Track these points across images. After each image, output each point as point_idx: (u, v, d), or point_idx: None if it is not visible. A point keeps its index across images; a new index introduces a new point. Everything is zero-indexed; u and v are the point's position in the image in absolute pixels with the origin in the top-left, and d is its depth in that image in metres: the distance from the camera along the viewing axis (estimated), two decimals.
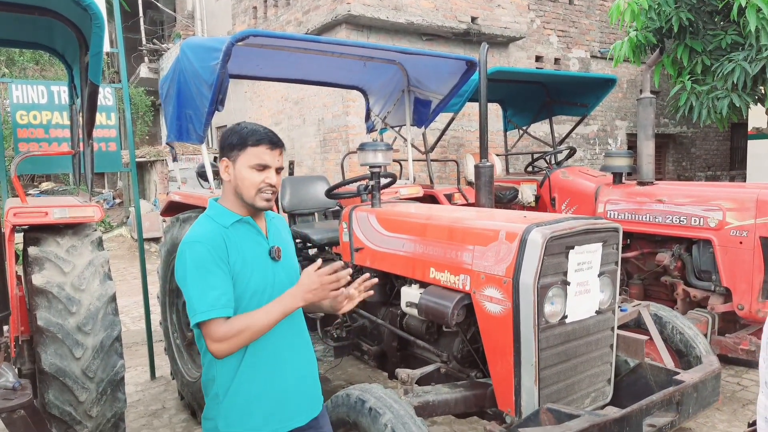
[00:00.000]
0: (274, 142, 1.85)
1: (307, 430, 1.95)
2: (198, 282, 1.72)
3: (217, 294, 1.72)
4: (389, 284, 3.28)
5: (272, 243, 1.92)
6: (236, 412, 1.81)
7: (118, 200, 17.42)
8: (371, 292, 1.95)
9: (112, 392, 2.98)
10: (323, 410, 2.05)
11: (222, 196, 1.92)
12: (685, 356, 3.12)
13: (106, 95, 4.88)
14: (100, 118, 4.72)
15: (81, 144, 3.69)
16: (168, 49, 15.72)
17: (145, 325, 4.90)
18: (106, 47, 4.10)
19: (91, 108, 3.24)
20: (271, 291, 1.85)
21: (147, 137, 17.99)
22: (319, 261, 1.82)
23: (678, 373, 2.56)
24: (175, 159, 4.26)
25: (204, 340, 1.74)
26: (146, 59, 17.05)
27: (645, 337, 2.87)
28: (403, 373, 2.59)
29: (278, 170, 1.88)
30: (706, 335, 3.72)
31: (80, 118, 3.55)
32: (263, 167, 1.83)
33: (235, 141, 1.83)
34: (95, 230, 3.34)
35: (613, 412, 2.20)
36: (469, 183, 5.94)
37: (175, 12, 18.24)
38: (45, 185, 17.67)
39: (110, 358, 2.98)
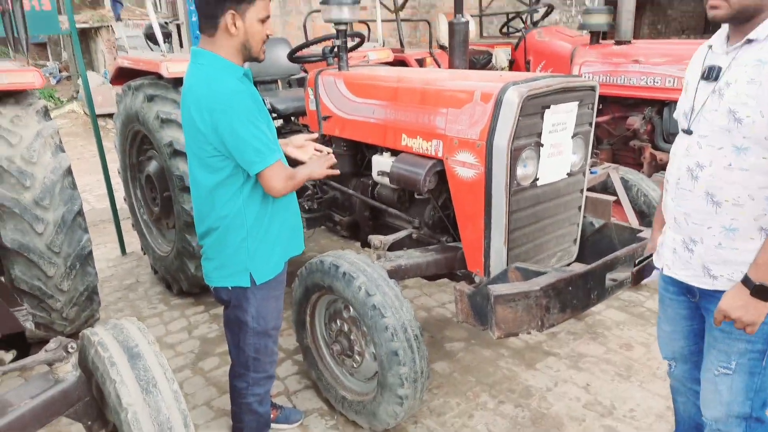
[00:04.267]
0: None
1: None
2: (254, 130, 1.85)
3: (272, 138, 1.94)
4: (360, 154, 3.19)
5: None
6: (263, 249, 2.05)
7: (65, 74, 16.26)
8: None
9: (81, 266, 2.94)
10: None
11: (215, 47, 1.91)
12: (647, 216, 3.23)
13: None
14: None
15: (8, 1, 3.27)
16: None
17: (109, 202, 4.78)
18: None
19: None
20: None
21: (87, 0, 16.35)
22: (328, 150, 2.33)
23: (641, 231, 2.64)
24: (118, 18, 3.84)
25: (260, 181, 1.93)
26: None
27: (612, 198, 2.93)
28: (375, 239, 2.61)
29: None
30: None
31: None
32: (267, 18, 1.91)
33: None
34: (39, 99, 3.08)
35: (579, 267, 2.29)
36: (442, 46, 5.63)
37: None
38: None
39: (74, 233, 2.90)
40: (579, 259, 2.76)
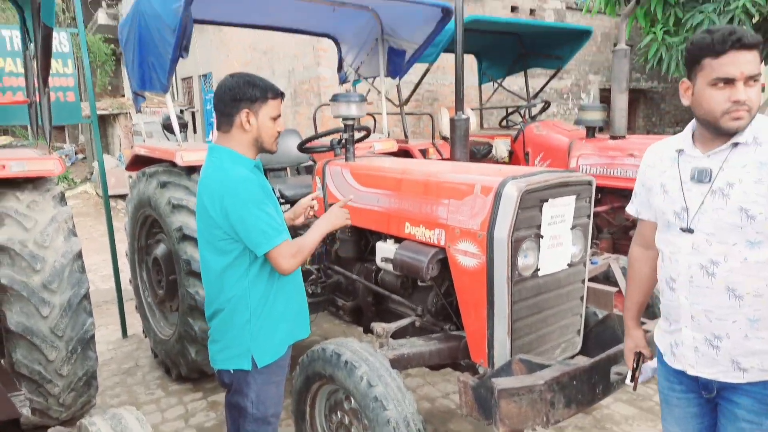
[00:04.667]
0: (283, 94, 2.14)
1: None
2: (261, 214, 1.96)
3: (278, 221, 2.02)
4: (364, 240, 3.25)
5: None
6: (266, 329, 2.09)
7: (80, 156, 16.86)
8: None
9: (82, 350, 2.93)
10: None
11: (230, 142, 2.08)
12: (650, 307, 3.21)
13: (61, 41, 4.60)
14: (56, 65, 4.46)
15: (37, 93, 3.49)
16: None
17: (115, 283, 4.81)
18: None
19: (46, 53, 3.04)
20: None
21: (109, 88, 17.27)
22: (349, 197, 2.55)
23: (644, 324, 2.63)
24: (138, 110, 4.07)
25: (270, 261, 2.02)
26: (104, 4, 16.16)
27: (614, 289, 2.94)
28: (378, 326, 2.61)
29: None
30: None
31: (35, 65, 3.33)
32: (278, 117, 2.11)
33: (258, 94, 2.03)
34: (56, 185, 3.21)
35: (583, 361, 2.27)
36: (444, 138, 5.89)
37: None
38: (2, 140, 16.93)
39: (79, 317, 2.91)
40: (583, 350, 2.73)
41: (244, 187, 1.96)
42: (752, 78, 1.55)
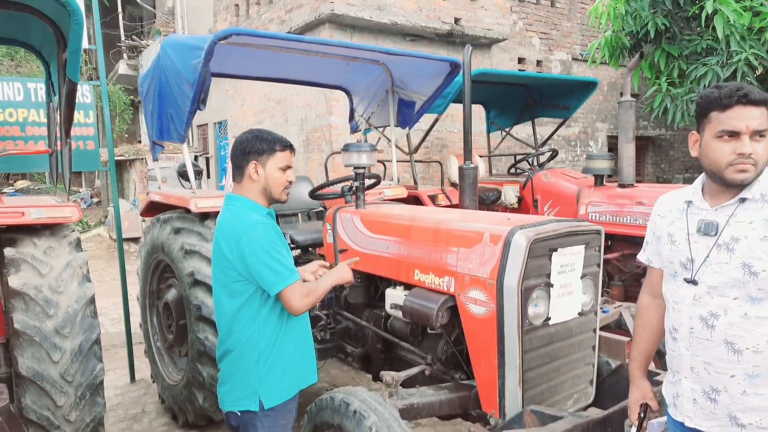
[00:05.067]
0: (293, 147, 2.27)
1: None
2: (276, 255, 2.06)
3: (290, 263, 2.11)
4: (373, 286, 3.27)
5: None
6: (275, 371, 2.13)
7: (95, 199, 17.15)
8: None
9: (91, 396, 2.92)
10: None
11: (243, 192, 2.21)
12: (664, 356, 3.16)
13: (84, 93, 4.79)
14: (77, 116, 4.63)
15: (58, 143, 3.62)
16: (147, 45, 15.53)
17: (125, 327, 4.82)
18: (85, 44, 4.03)
19: (69, 106, 3.17)
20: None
21: (126, 135, 17.74)
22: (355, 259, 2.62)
23: (658, 374, 2.59)
24: (156, 159, 4.19)
25: (281, 301, 2.09)
26: (125, 56, 16.81)
27: (626, 338, 2.91)
28: (387, 375, 2.58)
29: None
30: None
31: (57, 116, 3.47)
32: (288, 168, 2.22)
33: (265, 147, 2.17)
34: (73, 231, 3.28)
35: (596, 413, 2.23)
36: (453, 184, 5.96)
37: (154, 8, 17.98)
38: (20, 184, 17.32)
39: (89, 362, 2.92)
40: (596, 401, 2.68)
41: (259, 229, 2.07)
42: (758, 133, 1.58)
